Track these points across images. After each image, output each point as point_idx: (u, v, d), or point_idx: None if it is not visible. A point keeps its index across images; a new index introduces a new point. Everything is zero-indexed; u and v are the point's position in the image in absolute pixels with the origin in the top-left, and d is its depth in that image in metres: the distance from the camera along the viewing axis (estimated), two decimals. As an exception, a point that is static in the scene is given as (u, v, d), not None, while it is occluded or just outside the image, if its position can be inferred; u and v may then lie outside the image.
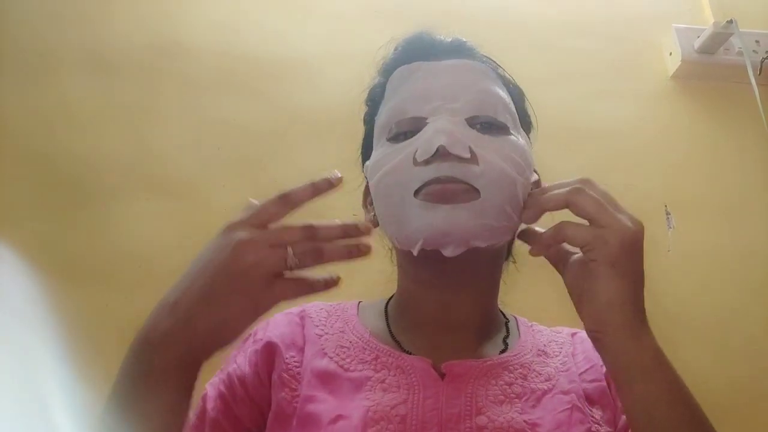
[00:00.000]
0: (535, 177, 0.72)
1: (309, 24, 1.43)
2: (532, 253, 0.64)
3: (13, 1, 1.32)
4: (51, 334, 1.07)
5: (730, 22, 1.45)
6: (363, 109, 0.80)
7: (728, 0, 1.58)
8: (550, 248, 0.63)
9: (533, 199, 0.64)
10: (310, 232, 0.55)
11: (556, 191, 0.61)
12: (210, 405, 0.69)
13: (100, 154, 1.22)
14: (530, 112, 0.78)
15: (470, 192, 0.63)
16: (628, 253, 0.57)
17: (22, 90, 1.25)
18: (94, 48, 1.32)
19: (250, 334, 0.75)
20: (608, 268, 0.56)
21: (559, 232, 0.60)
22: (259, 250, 0.53)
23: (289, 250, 0.53)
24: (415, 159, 0.65)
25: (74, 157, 1.21)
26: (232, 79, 1.34)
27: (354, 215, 1.24)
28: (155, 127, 1.27)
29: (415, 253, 0.65)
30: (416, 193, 0.64)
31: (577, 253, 0.61)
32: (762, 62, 1.47)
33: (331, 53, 1.40)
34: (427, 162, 0.64)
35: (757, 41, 1.50)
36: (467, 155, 0.63)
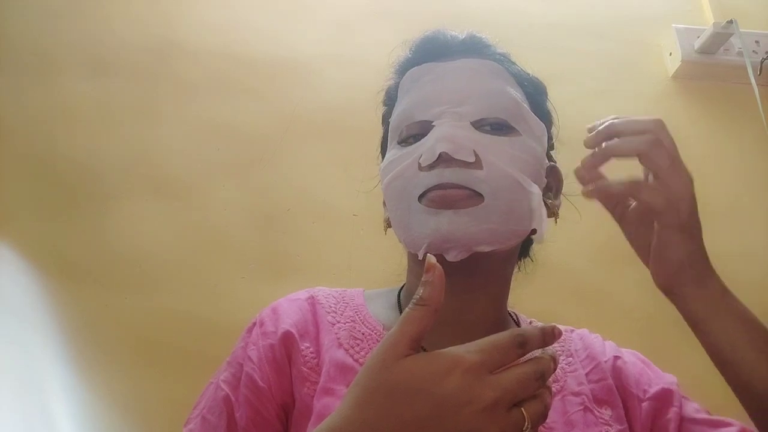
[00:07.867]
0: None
1: (307, 26, 1.43)
2: (587, 194, 0.61)
3: (11, 2, 1.32)
4: (51, 334, 1.07)
5: (730, 22, 1.45)
6: (381, 109, 0.79)
7: (728, 0, 1.59)
8: (613, 200, 0.64)
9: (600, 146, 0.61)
10: (543, 380, 0.47)
11: (630, 139, 0.59)
12: (238, 413, 0.65)
13: (100, 155, 1.22)
14: (551, 107, 0.77)
15: (473, 197, 0.63)
16: (693, 215, 0.60)
17: (20, 91, 1.25)
18: (93, 49, 1.32)
19: (255, 324, 0.70)
20: (679, 233, 0.60)
21: (633, 191, 0.60)
22: (502, 419, 0.43)
23: (527, 417, 0.44)
24: (419, 164, 0.65)
25: (73, 157, 1.21)
26: (231, 80, 1.34)
27: (354, 215, 1.25)
28: (154, 128, 1.27)
29: (420, 257, 0.65)
30: (420, 198, 0.64)
31: (632, 203, 0.63)
32: (762, 62, 1.47)
33: (330, 55, 1.40)
34: (431, 167, 0.64)
35: (757, 41, 1.51)
36: (471, 159, 0.63)
